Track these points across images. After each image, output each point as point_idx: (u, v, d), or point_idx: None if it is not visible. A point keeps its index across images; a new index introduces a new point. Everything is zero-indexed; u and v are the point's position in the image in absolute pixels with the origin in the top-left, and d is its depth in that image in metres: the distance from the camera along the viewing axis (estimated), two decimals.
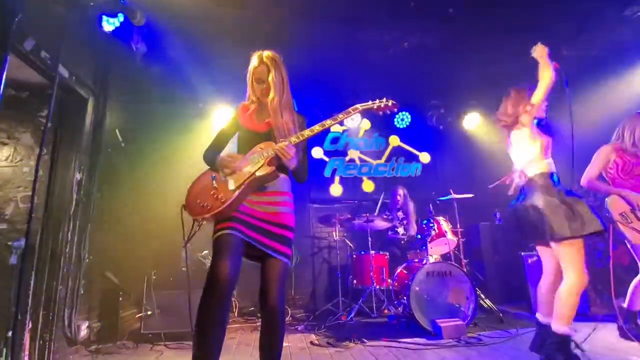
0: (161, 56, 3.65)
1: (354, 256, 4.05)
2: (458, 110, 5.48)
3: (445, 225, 3.84)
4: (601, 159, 2.71)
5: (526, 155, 2.26)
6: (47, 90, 2.72)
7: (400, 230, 4.40)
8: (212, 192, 1.58)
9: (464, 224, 4.22)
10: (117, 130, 3.52)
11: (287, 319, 3.86)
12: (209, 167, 1.71)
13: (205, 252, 3.81)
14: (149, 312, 3.07)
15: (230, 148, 1.80)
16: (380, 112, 1.77)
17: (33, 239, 2.56)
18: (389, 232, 4.43)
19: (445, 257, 3.87)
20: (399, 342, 2.83)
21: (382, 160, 5.47)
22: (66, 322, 2.72)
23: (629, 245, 2.54)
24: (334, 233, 4.36)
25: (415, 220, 4.44)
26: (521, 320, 3.43)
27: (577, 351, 2.01)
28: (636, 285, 2.59)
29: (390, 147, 5.52)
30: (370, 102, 1.75)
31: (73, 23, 2.69)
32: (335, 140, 5.47)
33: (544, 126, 2.32)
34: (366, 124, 5.49)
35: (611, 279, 2.35)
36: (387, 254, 3.97)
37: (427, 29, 3.88)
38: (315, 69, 4.26)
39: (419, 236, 3.86)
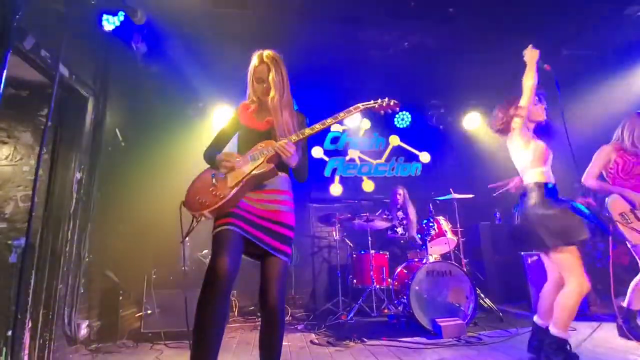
0: (161, 56, 3.65)
1: (354, 256, 4.05)
2: (458, 110, 5.48)
3: (445, 225, 3.84)
4: (601, 159, 2.72)
5: (520, 162, 2.29)
6: (47, 89, 2.72)
7: (400, 230, 4.40)
8: (211, 189, 1.58)
9: (464, 224, 4.23)
10: (117, 130, 3.52)
11: (287, 318, 3.86)
12: (209, 166, 1.71)
13: (205, 251, 3.81)
14: (149, 311, 3.07)
15: (230, 148, 1.81)
16: (382, 112, 1.77)
17: (33, 238, 2.56)
18: (389, 232, 4.43)
19: (445, 257, 3.88)
20: (399, 341, 2.83)
21: (382, 160, 5.47)
22: (66, 321, 2.72)
23: (629, 245, 2.54)
24: (334, 232, 4.35)
25: (416, 220, 4.44)
26: (521, 319, 3.43)
27: (575, 351, 2.02)
28: (636, 284, 2.60)
29: (390, 147, 5.52)
30: (372, 102, 1.75)
31: (73, 22, 2.69)
32: (335, 139, 5.48)
33: (543, 129, 2.33)
34: (366, 123, 5.49)
35: (611, 278, 2.35)
36: (387, 253, 3.97)
37: (427, 28, 3.88)
38: (315, 69, 4.27)
39: (419, 236, 3.86)
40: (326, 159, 5.33)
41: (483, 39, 3.93)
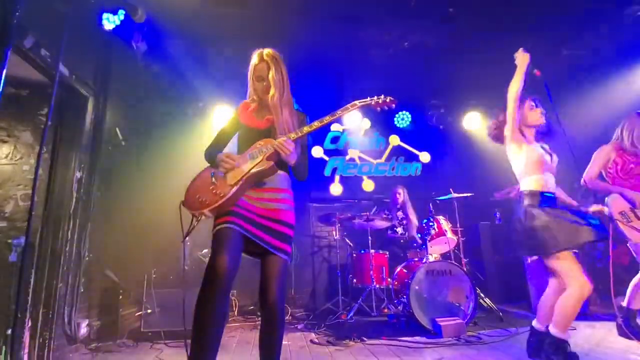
0: (161, 55, 3.66)
1: (354, 255, 4.05)
2: (458, 110, 5.48)
3: (445, 225, 3.84)
4: (601, 158, 2.73)
5: (516, 169, 2.31)
6: (47, 88, 2.71)
7: (400, 229, 4.40)
8: (210, 188, 1.58)
9: (464, 224, 4.23)
10: (117, 129, 3.52)
11: (287, 317, 3.86)
12: (209, 164, 1.72)
13: (206, 250, 3.82)
14: (149, 311, 3.07)
15: (230, 148, 1.81)
16: (379, 108, 1.77)
17: (33, 237, 2.56)
18: (389, 231, 4.43)
19: (445, 256, 3.88)
20: (399, 340, 2.83)
21: (382, 160, 5.47)
22: (66, 320, 2.72)
23: (629, 244, 2.54)
24: (334, 232, 4.35)
25: (415, 220, 4.44)
26: (521, 319, 3.43)
27: (574, 350, 2.02)
28: (636, 284, 2.60)
29: (390, 147, 5.52)
30: (368, 99, 1.76)
31: (73, 21, 2.69)
32: (335, 139, 5.48)
33: (545, 132, 2.33)
34: (366, 123, 5.48)
35: (611, 278, 2.35)
36: (387, 253, 3.97)
37: (427, 28, 3.88)
38: (315, 69, 4.27)
39: (419, 235, 3.86)
40: (326, 158, 5.33)
41: (483, 39, 3.93)
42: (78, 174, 2.92)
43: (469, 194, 4.10)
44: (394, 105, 1.76)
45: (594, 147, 2.80)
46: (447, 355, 2.46)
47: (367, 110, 5.19)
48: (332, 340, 2.90)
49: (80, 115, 3.03)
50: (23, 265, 2.26)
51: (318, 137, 5.37)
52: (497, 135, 2.39)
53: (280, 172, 1.68)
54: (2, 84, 1.89)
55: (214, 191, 1.57)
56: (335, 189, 5.22)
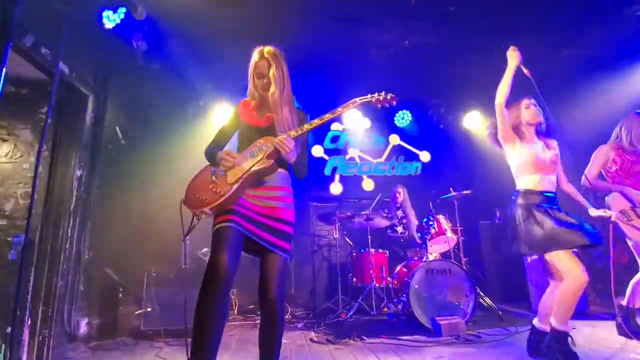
0: (162, 53, 3.65)
1: (354, 254, 4.05)
2: (458, 110, 5.48)
3: (445, 224, 3.84)
4: (600, 158, 2.74)
5: (512, 169, 2.32)
6: (47, 86, 2.72)
7: (400, 228, 4.40)
8: (211, 186, 1.58)
9: (463, 223, 4.23)
10: (117, 127, 3.52)
11: (286, 316, 3.86)
12: (209, 163, 1.71)
13: (206, 249, 3.81)
14: (149, 309, 3.07)
15: (232, 146, 1.81)
16: (379, 106, 1.76)
17: (33, 235, 2.56)
18: (389, 231, 4.43)
19: (445, 255, 3.88)
20: (399, 339, 2.83)
21: (382, 159, 5.47)
22: (66, 318, 2.72)
23: (629, 243, 2.55)
24: (334, 231, 4.35)
25: (415, 219, 4.44)
26: (520, 318, 3.43)
27: (574, 348, 2.02)
28: (635, 283, 2.60)
29: (390, 146, 5.52)
30: (368, 96, 1.74)
31: (73, 19, 2.68)
32: (335, 138, 5.48)
33: (545, 130, 2.33)
34: (366, 122, 5.48)
35: (611, 277, 2.35)
36: (387, 252, 3.97)
37: (427, 28, 3.87)
38: (315, 68, 4.26)
39: (419, 234, 3.86)
40: (326, 157, 5.33)
41: (483, 38, 3.92)
42: (78, 172, 2.92)
43: (469, 192, 4.11)
44: (394, 103, 1.74)
45: (593, 147, 2.81)
46: (446, 354, 2.46)
47: (367, 110, 5.20)
48: (331, 339, 2.90)
49: (80, 113, 3.03)
50: (23, 263, 2.26)
51: (318, 136, 5.37)
52: (492, 136, 2.42)
53: (280, 170, 1.68)
54: (2, 82, 1.89)
55: (214, 189, 1.56)
56: (335, 188, 5.22)
